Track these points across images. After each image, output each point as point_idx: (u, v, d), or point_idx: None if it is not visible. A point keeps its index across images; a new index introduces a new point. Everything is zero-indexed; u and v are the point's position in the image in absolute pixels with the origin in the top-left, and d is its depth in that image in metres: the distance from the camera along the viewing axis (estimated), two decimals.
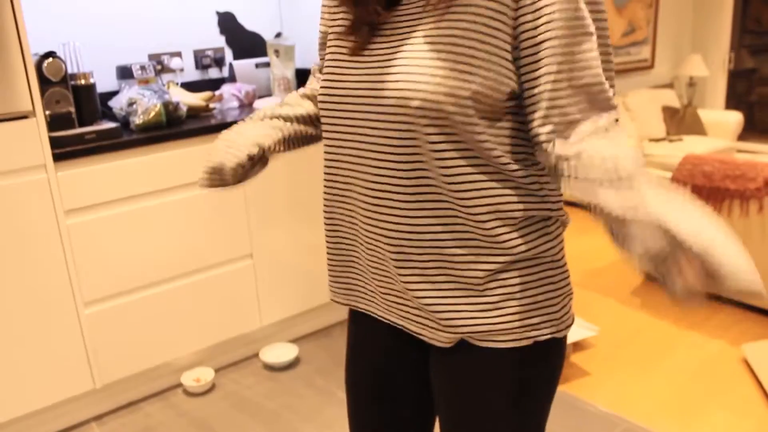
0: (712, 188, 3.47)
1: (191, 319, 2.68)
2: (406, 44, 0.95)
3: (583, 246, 4.40)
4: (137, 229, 2.48)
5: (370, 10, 0.99)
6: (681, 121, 6.08)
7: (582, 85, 0.91)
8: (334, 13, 1.10)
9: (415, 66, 0.92)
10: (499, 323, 0.99)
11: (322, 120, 1.07)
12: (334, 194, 1.09)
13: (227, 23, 3.20)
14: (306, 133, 1.25)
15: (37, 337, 2.33)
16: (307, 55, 3.19)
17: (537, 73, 0.91)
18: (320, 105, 1.06)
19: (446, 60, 0.91)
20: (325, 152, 1.09)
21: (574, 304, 3.50)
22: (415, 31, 0.95)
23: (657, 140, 5.73)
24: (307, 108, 1.26)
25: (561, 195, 1.05)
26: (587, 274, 3.88)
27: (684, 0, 7.01)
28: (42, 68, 2.36)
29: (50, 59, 2.38)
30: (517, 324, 0.99)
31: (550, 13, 0.88)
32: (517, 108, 0.96)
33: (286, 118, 1.23)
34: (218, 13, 3.18)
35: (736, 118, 6.21)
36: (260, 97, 3.14)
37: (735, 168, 3.47)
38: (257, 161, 1.20)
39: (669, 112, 6.10)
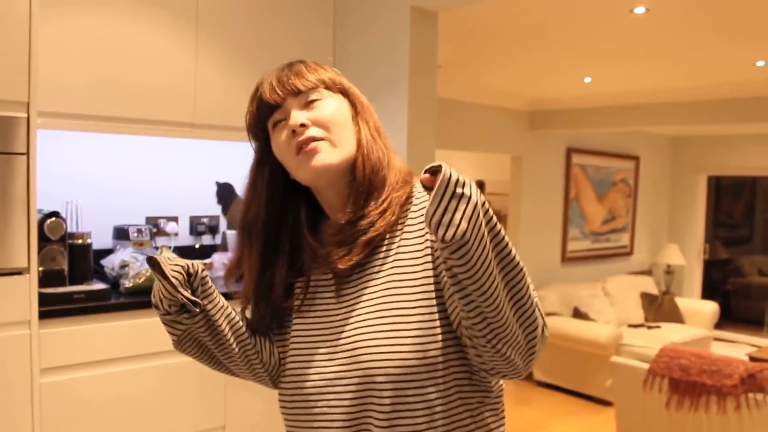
0: (689, 382, 3.49)
1: None
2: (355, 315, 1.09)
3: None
4: (111, 393, 2.45)
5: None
6: (659, 308, 6.20)
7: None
8: None
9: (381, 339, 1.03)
10: None
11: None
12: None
13: (225, 193, 3.36)
14: (235, 332, 1.16)
15: None
16: None
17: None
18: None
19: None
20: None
21: None
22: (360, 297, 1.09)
23: (635, 326, 5.81)
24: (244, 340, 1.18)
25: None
26: None
27: (661, 192, 7.41)
28: (44, 227, 2.45)
29: (53, 219, 2.48)
30: None
31: None
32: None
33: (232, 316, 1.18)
34: (218, 183, 3.35)
35: (712, 307, 6.35)
36: None
37: (711, 363, 3.51)
38: (191, 285, 1.10)
39: (647, 299, 6.24)
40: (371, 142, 1.13)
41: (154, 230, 3.04)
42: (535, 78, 4.75)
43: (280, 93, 1.12)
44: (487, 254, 0.89)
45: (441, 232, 0.86)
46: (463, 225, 0.85)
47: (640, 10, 2.95)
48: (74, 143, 2.92)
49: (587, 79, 4.68)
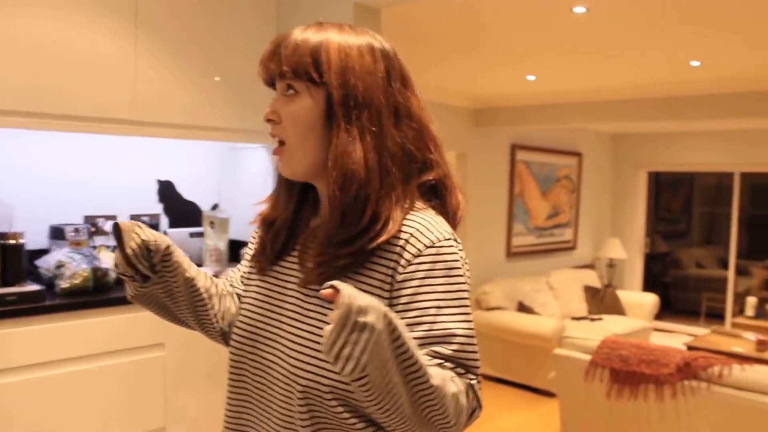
0: (629, 372, 3.59)
1: None
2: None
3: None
4: (47, 397, 2.38)
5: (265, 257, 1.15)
6: (601, 300, 6.35)
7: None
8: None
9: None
10: None
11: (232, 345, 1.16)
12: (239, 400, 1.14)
13: (166, 191, 3.30)
14: (193, 299, 1.16)
15: None
16: (242, 229, 3.29)
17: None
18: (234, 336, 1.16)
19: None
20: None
21: None
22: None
23: (578, 319, 5.93)
24: (217, 297, 1.21)
25: None
26: None
27: (603, 187, 7.58)
28: None
29: None
30: None
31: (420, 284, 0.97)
32: None
33: (204, 280, 1.19)
34: (158, 181, 3.28)
35: (652, 299, 6.54)
36: None
37: (649, 353, 3.62)
38: (155, 257, 1.11)
39: (590, 292, 6.38)
40: (342, 155, 0.99)
41: (93, 229, 2.96)
42: (478, 75, 4.80)
43: (262, 75, 1.08)
44: (391, 380, 0.84)
45: (340, 365, 0.81)
46: (364, 359, 0.81)
47: (579, 9, 3.01)
48: (7, 139, 2.83)
49: (530, 77, 4.76)
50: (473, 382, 0.96)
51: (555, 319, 5.22)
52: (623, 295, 6.62)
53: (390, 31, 3.26)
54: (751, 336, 5.22)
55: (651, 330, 6.34)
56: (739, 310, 6.95)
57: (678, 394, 3.38)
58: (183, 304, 1.16)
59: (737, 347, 5.04)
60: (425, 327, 0.95)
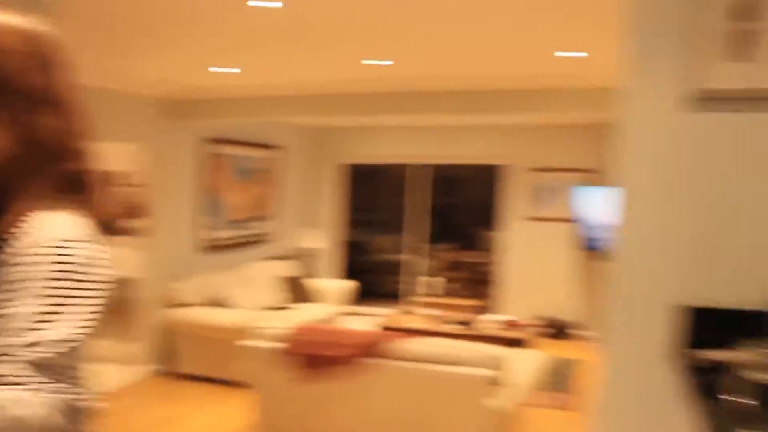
0: (317, 356, 3.73)
1: None
2: None
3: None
4: None
5: None
6: (300, 290, 6.53)
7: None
8: None
9: None
10: None
11: None
12: None
13: None
14: None
15: None
16: None
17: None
18: None
19: None
20: None
21: None
22: None
23: (275, 309, 6.01)
24: None
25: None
26: None
27: (302, 180, 7.83)
28: None
29: None
30: None
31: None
32: None
33: None
34: None
35: (348, 285, 6.92)
36: None
37: (333, 336, 3.83)
38: None
39: (288, 282, 6.51)
40: None
41: None
42: (169, 65, 4.59)
43: None
44: None
45: None
46: None
47: (260, 3, 2.96)
48: None
49: (214, 68, 4.66)
50: (70, 395, 0.86)
51: (247, 311, 5.26)
52: (321, 283, 6.89)
53: (74, 15, 2.96)
54: (435, 311, 5.81)
55: (343, 315, 6.68)
56: (425, 290, 7.67)
57: (362, 372, 3.59)
58: None
59: (421, 323, 5.55)
60: (13, 335, 0.86)
